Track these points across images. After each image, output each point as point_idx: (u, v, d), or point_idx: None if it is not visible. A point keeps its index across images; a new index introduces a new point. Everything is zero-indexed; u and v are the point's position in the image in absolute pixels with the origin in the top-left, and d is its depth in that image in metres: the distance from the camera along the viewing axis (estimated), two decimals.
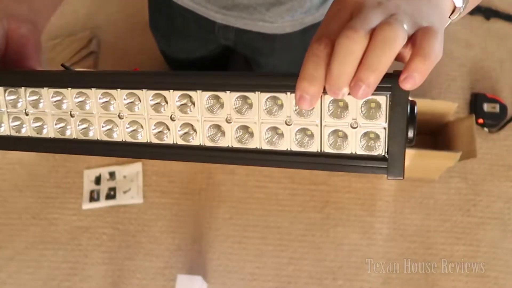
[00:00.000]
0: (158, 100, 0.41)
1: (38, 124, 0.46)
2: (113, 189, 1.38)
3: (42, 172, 1.42)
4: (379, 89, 0.35)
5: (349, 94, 0.35)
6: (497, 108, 1.44)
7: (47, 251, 1.34)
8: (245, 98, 0.39)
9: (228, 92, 0.39)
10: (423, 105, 1.26)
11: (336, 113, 0.37)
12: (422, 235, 1.34)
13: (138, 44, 1.54)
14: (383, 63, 0.33)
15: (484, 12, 1.56)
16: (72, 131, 0.45)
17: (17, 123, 0.46)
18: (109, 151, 0.44)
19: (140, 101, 0.42)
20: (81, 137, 0.45)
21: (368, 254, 1.32)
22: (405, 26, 0.34)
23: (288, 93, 0.38)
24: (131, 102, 0.42)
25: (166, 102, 0.41)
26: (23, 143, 0.46)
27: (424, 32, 0.34)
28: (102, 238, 1.35)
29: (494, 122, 1.43)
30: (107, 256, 1.33)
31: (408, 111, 0.36)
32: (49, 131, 0.45)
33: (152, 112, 0.42)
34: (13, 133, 0.47)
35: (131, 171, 1.40)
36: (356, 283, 1.30)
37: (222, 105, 0.40)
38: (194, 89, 0.40)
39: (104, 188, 1.39)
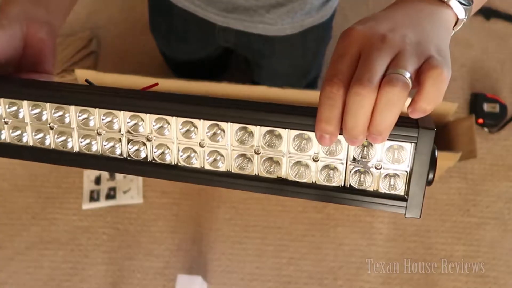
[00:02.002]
0: (187, 127, 0.43)
1: (63, 138, 0.47)
2: (113, 189, 1.39)
3: (42, 172, 1.42)
4: (405, 138, 0.39)
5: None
6: (497, 108, 1.43)
7: (47, 251, 1.34)
8: (273, 132, 0.41)
9: (258, 126, 0.41)
10: None
11: (363, 153, 0.40)
12: (422, 235, 1.34)
13: (138, 44, 1.54)
14: (390, 122, 0.36)
15: (484, 12, 1.56)
16: (98, 147, 0.46)
17: (41, 135, 0.47)
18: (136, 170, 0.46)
19: (169, 124, 0.43)
20: (108, 154, 0.46)
21: (368, 254, 1.32)
22: (408, 73, 0.36)
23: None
24: (161, 126, 0.44)
25: (196, 128, 0.43)
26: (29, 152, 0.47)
27: (430, 74, 0.36)
28: (102, 238, 1.35)
29: (494, 122, 1.43)
30: (107, 256, 1.33)
31: (430, 157, 0.39)
32: (75, 145, 0.46)
33: (182, 138, 0.43)
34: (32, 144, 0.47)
35: None
36: (356, 283, 1.30)
37: (251, 136, 0.42)
38: (225, 120, 0.42)
39: (104, 188, 1.39)
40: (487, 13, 1.56)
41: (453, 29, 0.45)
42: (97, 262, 1.33)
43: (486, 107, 1.44)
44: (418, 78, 0.36)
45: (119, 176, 1.40)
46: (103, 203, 1.37)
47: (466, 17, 0.44)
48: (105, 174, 1.40)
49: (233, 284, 1.31)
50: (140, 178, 1.39)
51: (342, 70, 0.37)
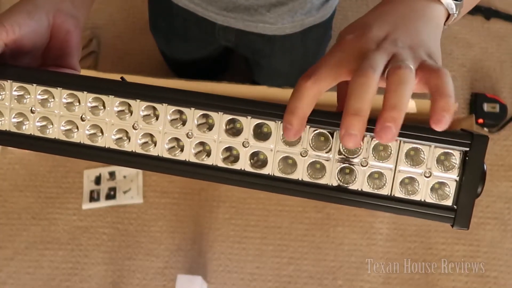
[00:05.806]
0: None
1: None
2: (113, 189, 1.38)
3: (42, 172, 1.42)
4: (457, 144, 0.37)
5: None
6: (497, 108, 1.44)
7: (47, 251, 1.34)
8: (321, 135, 0.40)
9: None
10: (423, 105, 1.26)
11: (412, 161, 0.39)
12: (422, 235, 1.34)
13: (138, 44, 1.54)
14: (406, 101, 0.34)
15: (484, 12, 1.56)
16: (131, 143, 0.44)
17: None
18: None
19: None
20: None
21: (368, 254, 1.32)
22: (411, 66, 0.35)
23: (368, 136, 0.39)
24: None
25: (239, 129, 0.42)
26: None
27: (433, 71, 0.35)
28: (102, 238, 1.35)
29: (494, 122, 1.43)
30: (107, 256, 1.33)
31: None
32: (104, 141, 0.44)
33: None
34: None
35: (131, 171, 1.40)
36: (356, 283, 1.30)
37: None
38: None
39: (104, 188, 1.39)
40: (487, 13, 1.56)
41: (444, 24, 0.45)
42: (97, 262, 1.33)
43: (486, 107, 1.44)
44: (423, 80, 0.36)
45: (119, 176, 1.39)
46: (103, 203, 1.37)
47: (457, 12, 0.44)
48: (105, 174, 1.40)
49: (233, 284, 1.31)
50: (140, 178, 1.39)
51: (321, 71, 0.37)
